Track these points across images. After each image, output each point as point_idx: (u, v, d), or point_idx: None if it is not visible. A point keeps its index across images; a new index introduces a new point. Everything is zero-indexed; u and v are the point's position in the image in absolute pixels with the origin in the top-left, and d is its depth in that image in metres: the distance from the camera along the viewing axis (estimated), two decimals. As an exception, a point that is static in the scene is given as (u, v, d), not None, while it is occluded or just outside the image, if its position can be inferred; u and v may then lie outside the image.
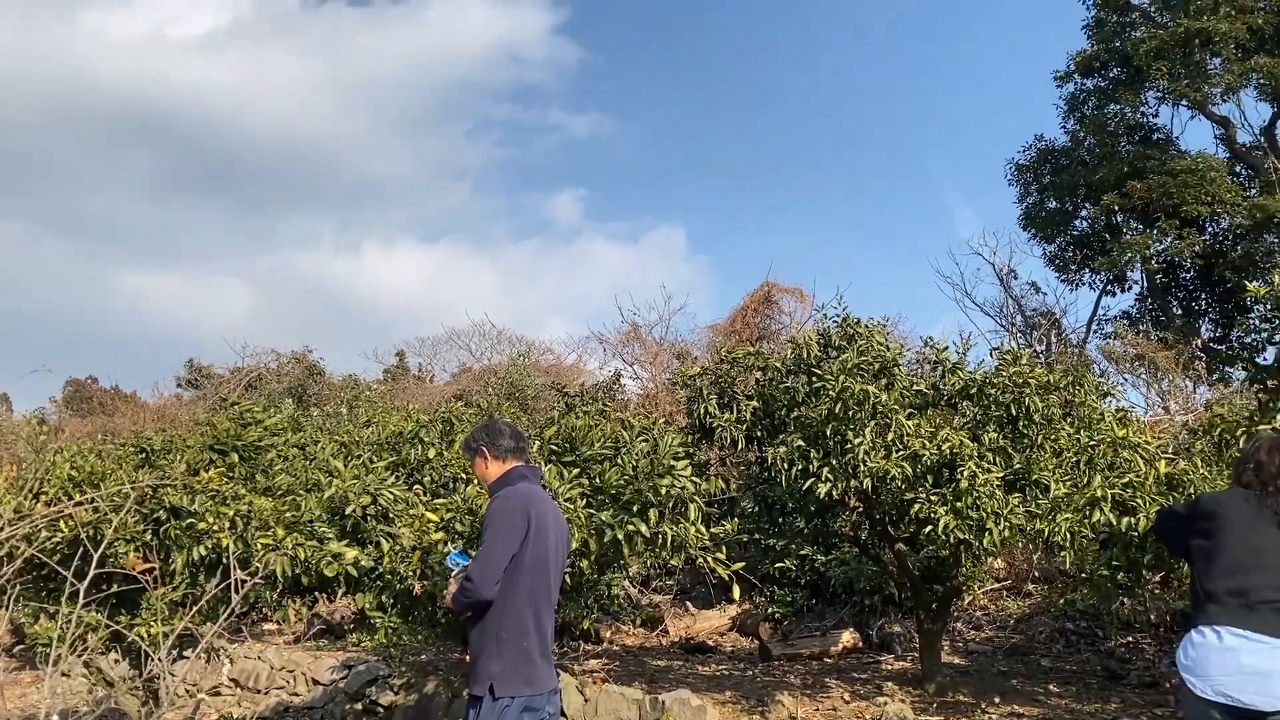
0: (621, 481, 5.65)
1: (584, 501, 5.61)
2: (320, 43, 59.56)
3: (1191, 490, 6.40)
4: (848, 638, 11.16)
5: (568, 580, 5.69)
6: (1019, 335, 22.30)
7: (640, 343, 23.17)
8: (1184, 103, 20.95)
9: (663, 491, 5.53)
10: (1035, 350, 21.64)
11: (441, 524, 5.98)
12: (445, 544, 5.66)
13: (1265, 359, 8.17)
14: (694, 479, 5.88)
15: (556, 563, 4.05)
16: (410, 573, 5.66)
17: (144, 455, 7.18)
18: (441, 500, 6.42)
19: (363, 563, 5.79)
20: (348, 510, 5.99)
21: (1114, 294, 22.36)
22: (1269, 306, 7.87)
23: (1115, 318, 22.09)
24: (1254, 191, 20.13)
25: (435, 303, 47.46)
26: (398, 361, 27.37)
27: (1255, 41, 19.92)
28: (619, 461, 5.82)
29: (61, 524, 5.49)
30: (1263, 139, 21.39)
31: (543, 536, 3.93)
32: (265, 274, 51.29)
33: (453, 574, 4.11)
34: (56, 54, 54.31)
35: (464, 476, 6.97)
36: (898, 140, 49.33)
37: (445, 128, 61.40)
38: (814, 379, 8.51)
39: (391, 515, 6.07)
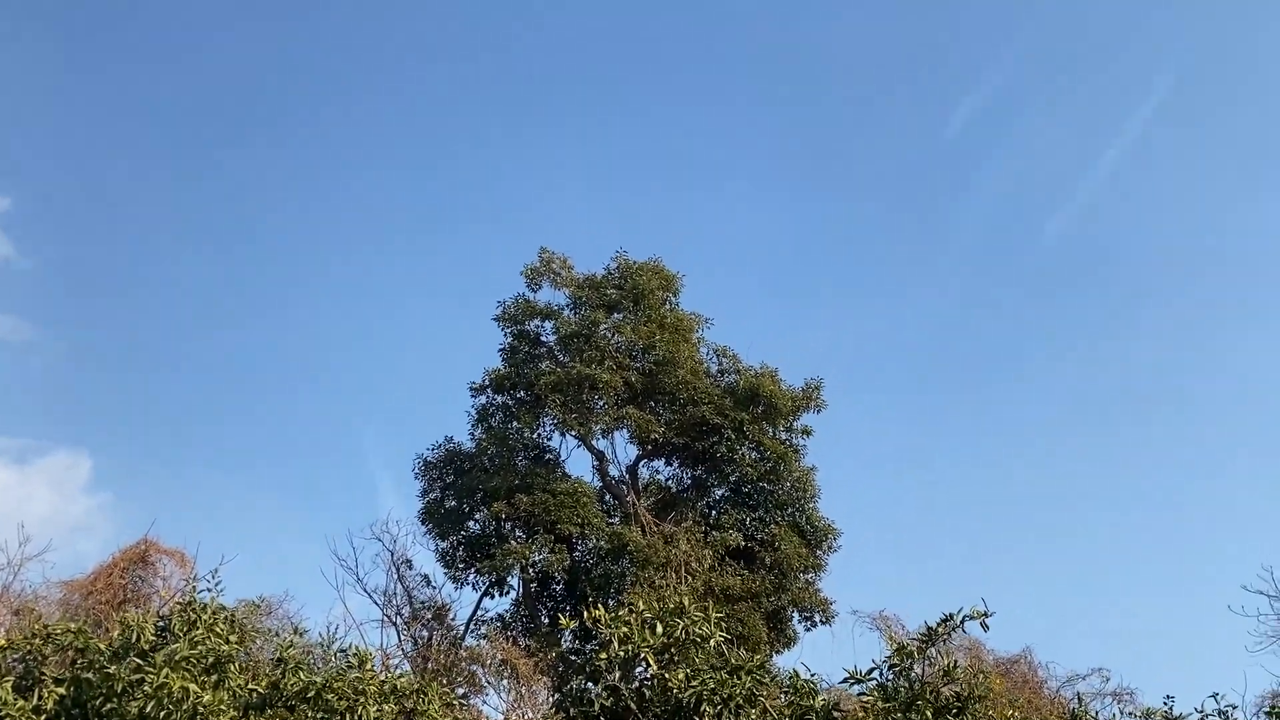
0: None
1: None
2: None
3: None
4: None
5: None
6: (403, 627, 22.52)
7: (-27, 591, 19.53)
8: (572, 432, 24.06)
9: None
10: (416, 641, 22.00)
11: None
12: None
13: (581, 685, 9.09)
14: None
15: None
16: None
17: None
18: None
19: None
20: None
21: (494, 596, 23.82)
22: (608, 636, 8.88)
23: (492, 619, 23.38)
24: (616, 519, 23.30)
25: None
26: None
27: (629, 394, 23.88)
28: None
29: None
30: (628, 475, 25.11)
31: None
32: None
33: None
34: None
35: None
36: (339, 417, 49.61)
37: None
38: (141, 668, 7.69)
39: None
